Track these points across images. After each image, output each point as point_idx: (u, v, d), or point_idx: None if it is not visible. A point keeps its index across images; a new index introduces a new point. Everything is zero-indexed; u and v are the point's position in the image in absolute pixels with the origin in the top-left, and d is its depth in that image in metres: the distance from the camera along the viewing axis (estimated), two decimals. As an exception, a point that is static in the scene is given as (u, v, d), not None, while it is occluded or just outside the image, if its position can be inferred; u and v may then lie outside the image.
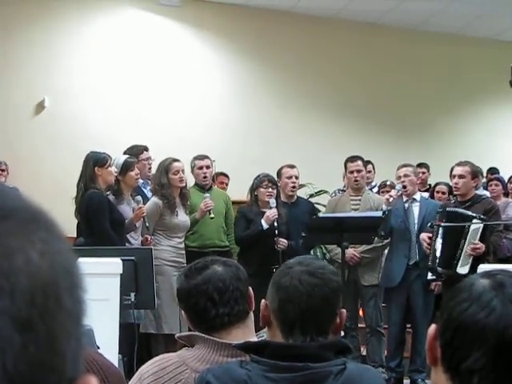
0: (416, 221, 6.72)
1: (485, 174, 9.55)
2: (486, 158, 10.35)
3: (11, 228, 0.51)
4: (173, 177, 6.37)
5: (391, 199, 6.63)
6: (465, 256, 6.08)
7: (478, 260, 5.99)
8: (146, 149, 6.98)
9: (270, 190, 6.61)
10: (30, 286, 0.50)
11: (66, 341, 0.53)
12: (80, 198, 5.77)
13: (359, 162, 7.08)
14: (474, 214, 6.15)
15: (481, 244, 6.07)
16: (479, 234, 6.09)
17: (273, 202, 6.55)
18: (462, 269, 6.05)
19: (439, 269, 6.24)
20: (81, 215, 5.79)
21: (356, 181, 7.04)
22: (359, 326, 7.08)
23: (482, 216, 6.15)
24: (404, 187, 6.74)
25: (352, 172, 7.06)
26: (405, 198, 6.80)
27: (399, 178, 6.82)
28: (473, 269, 5.82)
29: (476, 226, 6.10)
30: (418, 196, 6.90)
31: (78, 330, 0.55)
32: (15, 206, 0.54)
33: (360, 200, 7.00)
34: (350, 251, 6.77)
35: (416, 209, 6.78)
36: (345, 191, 8.86)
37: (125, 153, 6.69)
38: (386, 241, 6.80)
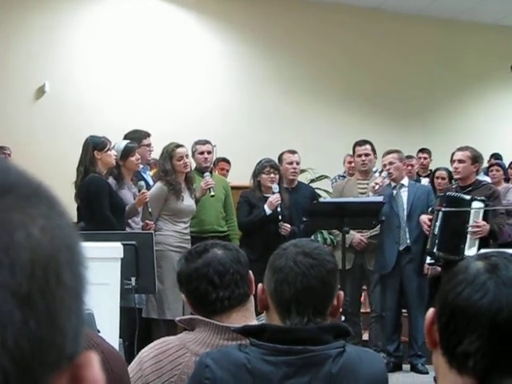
0: (405, 206, 6.73)
1: (487, 160, 9.54)
2: (488, 144, 10.33)
3: (12, 203, 0.51)
4: (177, 163, 6.35)
5: (377, 187, 6.65)
6: (471, 239, 6.12)
7: (487, 241, 6.05)
8: (148, 135, 6.99)
9: (273, 175, 6.60)
10: (30, 260, 0.50)
11: (66, 317, 0.52)
12: (80, 182, 5.77)
13: (367, 146, 7.14)
14: (475, 197, 6.19)
15: (483, 222, 6.10)
16: (481, 215, 6.13)
17: (275, 187, 6.55)
18: (470, 251, 6.07)
19: (439, 253, 6.26)
20: (81, 199, 5.78)
21: (363, 164, 7.06)
22: (361, 311, 7.10)
23: (482, 198, 6.19)
24: (389, 174, 6.77)
25: (360, 155, 7.12)
26: (393, 184, 6.81)
27: (384, 166, 6.85)
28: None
29: (477, 208, 6.13)
30: (405, 181, 6.91)
31: (78, 307, 0.54)
32: (16, 181, 0.53)
33: (367, 184, 7.01)
34: (358, 236, 6.80)
35: (404, 194, 6.79)
36: (345, 177, 8.88)
37: (126, 136, 6.68)
38: None
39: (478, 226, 6.09)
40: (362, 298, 7.25)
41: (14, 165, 0.55)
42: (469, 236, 6.12)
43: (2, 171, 0.53)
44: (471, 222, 6.12)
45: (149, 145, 6.95)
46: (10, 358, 0.48)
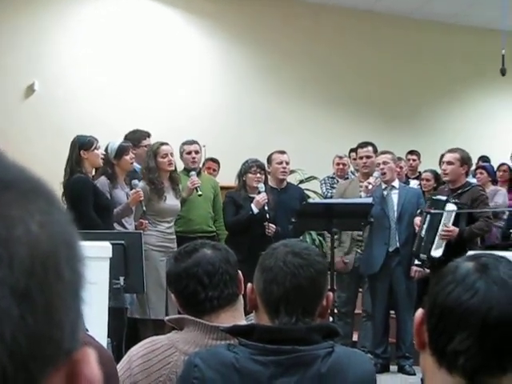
0: (395, 208, 6.75)
1: (475, 162, 9.56)
2: (476, 146, 10.36)
3: (11, 199, 0.51)
4: (161, 160, 6.34)
5: (370, 186, 6.66)
6: (439, 239, 6.15)
7: (456, 245, 6.03)
8: (148, 135, 6.95)
9: (259, 175, 6.61)
10: (29, 256, 0.50)
11: (64, 312, 0.53)
12: (66, 183, 5.74)
13: (369, 148, 7.20)
14: (450, 199, 6.23)
15: (453, 227, 6.12)
16: (452, 217, 6.15)
17: (261, 186, 6.55)
18: (436, 252, 6.13)
19: (421, 255, 6.28)
20: (66, 199, 5.76)
21: (365, 166, 7.10)
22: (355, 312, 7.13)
23: (457, 200, 6.22)
24: (383, 174, 6.78)
25: (362, 157, 7.18)
26: (383, 186, 6.82)
27: (378, 165, 6.85)
28: (451, 254, 5.91)
29: (450, 209, 6.16)
30: (396, 183, 6.92)
31: (76, 302, 0.55)
32: (16, 177, 0.54)
33: None
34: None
35: (395, 196, 6.81)
36: (334, 178, 8.89)
37: (126, 136, 6.67)
38: None
39: (447, 230, 6.12)
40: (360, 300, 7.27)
41: (13, 160, 0.55)
42: (437, 237, 6.16)
43: (3, 167, 0.54)
44: (441, 223, 6.15)
45: (148, 145, 6.90)
46: (7, 353, 0.48)
